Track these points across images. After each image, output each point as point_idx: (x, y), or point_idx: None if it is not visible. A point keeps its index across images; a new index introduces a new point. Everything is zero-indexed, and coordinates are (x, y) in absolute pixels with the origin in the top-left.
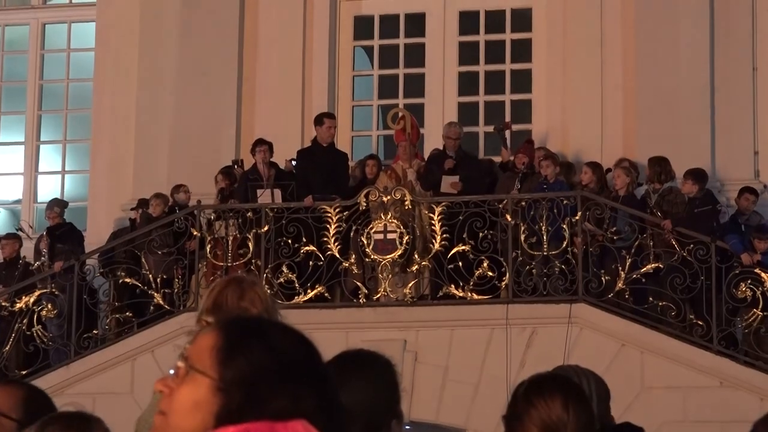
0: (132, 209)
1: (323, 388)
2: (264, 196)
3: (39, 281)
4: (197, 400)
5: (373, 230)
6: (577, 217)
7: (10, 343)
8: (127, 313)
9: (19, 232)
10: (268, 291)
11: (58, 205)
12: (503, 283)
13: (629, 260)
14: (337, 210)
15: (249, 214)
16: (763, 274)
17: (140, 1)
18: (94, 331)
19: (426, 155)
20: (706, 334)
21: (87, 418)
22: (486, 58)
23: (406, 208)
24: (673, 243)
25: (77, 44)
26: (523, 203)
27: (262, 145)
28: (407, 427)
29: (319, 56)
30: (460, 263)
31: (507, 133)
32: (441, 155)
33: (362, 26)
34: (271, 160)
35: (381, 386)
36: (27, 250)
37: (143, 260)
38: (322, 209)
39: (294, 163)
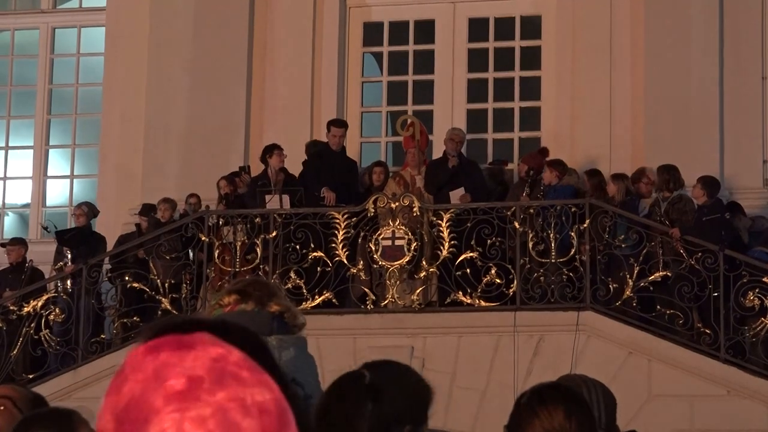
0: (136, 214)
1: None
2: (272, 202)
3: (50, 284)
4: None
5: (381, 236)
6: (584, 225)
7: (17, 347)
8: (135, 318)
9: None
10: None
11: (87, 205)
12: (511, 290)
13: (637, 268)
14: (345, 216)
15: (257, 219)
16: None
17: (150, 7)
18: (101, 336)
19: None
20: (714, 343)
21: (68, 413)
22: (495, 65)
23: (415, 214)
24: (681, 251)
25: (87, 49)
26: (532, 210)
27: (279, 149)
28: None
29: (329, 62)
30: (468, 270)
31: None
32: (443, 160)
33: (372, 33)
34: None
35: (418, 395)
36: (33, 254)
37: (151, 265)
38: (330, 215)
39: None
